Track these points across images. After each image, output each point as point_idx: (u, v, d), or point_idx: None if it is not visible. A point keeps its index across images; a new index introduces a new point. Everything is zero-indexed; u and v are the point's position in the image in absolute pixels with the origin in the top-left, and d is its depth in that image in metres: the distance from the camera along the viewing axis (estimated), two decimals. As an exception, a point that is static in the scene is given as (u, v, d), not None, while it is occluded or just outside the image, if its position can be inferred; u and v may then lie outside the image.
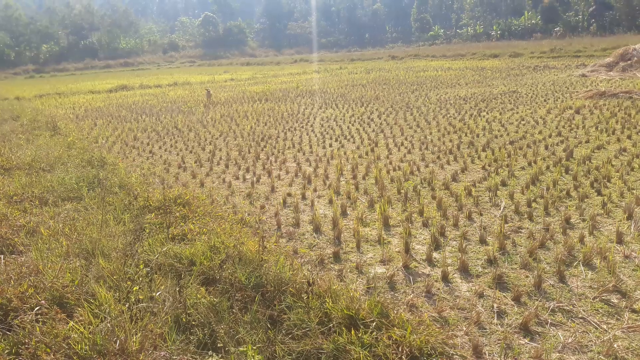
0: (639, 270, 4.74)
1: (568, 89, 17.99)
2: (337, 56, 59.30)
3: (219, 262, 4.58)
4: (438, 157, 9.49)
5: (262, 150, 11.21)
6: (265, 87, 26.29)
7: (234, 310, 3.89)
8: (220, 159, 10.62)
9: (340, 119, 14.84)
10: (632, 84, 17.81)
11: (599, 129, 10.87)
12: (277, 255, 4.83)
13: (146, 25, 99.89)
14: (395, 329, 3.53)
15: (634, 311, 4.08)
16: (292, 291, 4.08)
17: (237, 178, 9.03)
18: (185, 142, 12.68)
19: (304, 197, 7.64)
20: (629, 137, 9.98)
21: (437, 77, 26.18)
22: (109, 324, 3.52)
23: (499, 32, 64.79)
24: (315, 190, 7.98)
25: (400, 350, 3.37)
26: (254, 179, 8.77)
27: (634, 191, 6.89)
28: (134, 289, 3.92)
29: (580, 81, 20.35)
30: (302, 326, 3.69)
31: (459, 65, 33.67)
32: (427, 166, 9.03)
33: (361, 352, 3.33)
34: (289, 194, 7.76)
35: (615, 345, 3.62)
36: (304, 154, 10.69)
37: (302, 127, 13.99)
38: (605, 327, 3.89)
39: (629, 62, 23.19)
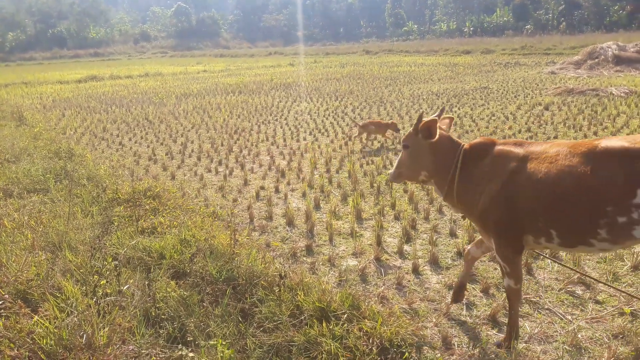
0: (602, 262, 4.88)
1: (538, 85, 18.35)
2: (311, 50, 59.23)
3: (190, 255, 4.52)
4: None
5: (235, 143, 11.12)
6: (239, 80, 26.07)
7: (204, 303, 3.86)
8: (192, 151, 10.49)
9: (315, 113, 14.82)
10: (599, 82, 18.28)
11: (566, 125, 11.13)
12: (249, 248, 4.80)
13: (117, 15, 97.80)
14: (366, 320, 3.56)
15: (597, 302, 4.20)
16: (264, 284, 4.06)
17: (210, 171, 8.93)
18: (156, 134, 12.47)
19: (277, 191, 7.61)
20: (595, 133, 10.25)
21: (410, 72, 26.39)
22: (75, 318, 3.44)
23: (471, 28, 65.66)
24: (288, 183, 7.95)
25: (371, 341, 3.39)
26: (227, 172, 8.70)
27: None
28: (102, 282, 3.84)
29: (550, 78, 20.79)
30: (274, 319, 3.68)
31: (432, 61, 34.00)
32: (399, 160, 9.08)
33: (332, 344, 3.34)
34: (262, 187, 7.72)
35: (579, 335, 3.72)
36: (277, 147, 10.65)
37: (276, 120, 13.93)
38: (569, 317, 4.00)
39: (596, 60, 23.79)
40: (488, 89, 17.86)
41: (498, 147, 3.50)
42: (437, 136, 3.61)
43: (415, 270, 4.91)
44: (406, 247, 5.45)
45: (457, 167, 3.60)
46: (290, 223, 6.22)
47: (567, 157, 3.11)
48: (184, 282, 4.25)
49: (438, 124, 3.65)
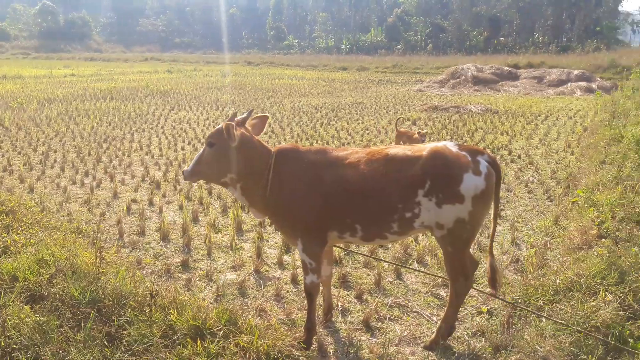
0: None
1: (407, 102, 19.67)
2: (191, 57, 57.62)
3: (48, 276, 4.10)
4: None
5: (105, 152, 10.40)
6: (111, 85, 24.52)
7: (63, 329, 3.51)
8: (55, 161, 9.61)
9: (194, 122, 14.41)
10: (460, 100, 20.10)
11: (432, 139, 12.04)
12: (118, 266, 4.48)
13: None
14: (243, 335, 3.49)
15: (458, 302, 4.55)
16: (133, 305, 3.80)
17: (74, 183, 8.24)
18: (14, 142, 11.24)
19: (151, 203, 7.24)
20: (457, 147, 11.22)
21: (291, 85, 26.83)
22: None
23: (348, 46, 68.59)
24: (164, 195, 7.61)
25: (247, 356, 3.33)
26: (94, 183, 8.08)
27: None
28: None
29: (417, 95, 22.40)
30: (144, 341, 3.45)
31: (311, 75, 34.91)
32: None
33: (207, 363, 3.23)
34: (134, 200, 7.29)
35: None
36: (152, 157, 10.16)
37: (152, 128, 13.30)
38: (435, 319, 4.28)
39: (458, 80, 26.17)
40: (363, 104, 18.74)
41: (305, 153, 3.73)
42: (236, 141, 3.60)
43: (294, 280, 4.94)
44: (286, 258, 5.47)
45: (271, 170, 3.68)
46: (165, 238, 5.93)
47: (367, 163, 3.56)
48: (41, 306, 3.83)
49: (235, 128, 3.61)
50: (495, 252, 5.44)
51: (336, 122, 14.56)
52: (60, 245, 4.84)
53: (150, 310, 3.69)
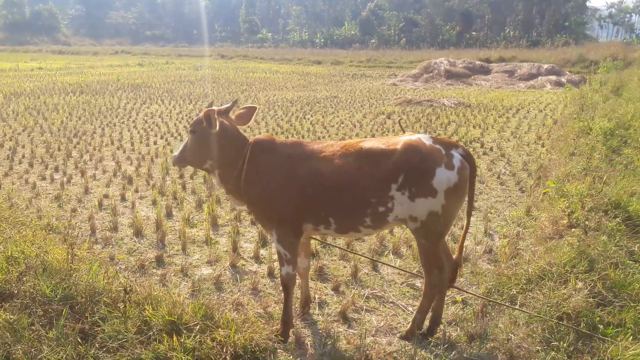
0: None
1: (381, 96, 19.76)
2: (163, 50, 56.65)
3: (17, 274, 3.99)
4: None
5: (75, 147, 10.17)
6: (81, 79, 23.97)
7: (34, 327, 3.43)
8: (23, 156, 9.35)
9: (167, 116, 14.20)
10: (433, 94, 20.29)
11: (406, 132, 12.12)
12: (90, 263, 4.39)
13: None
14: (219, 330, 3.46)
15: (433, 292, 4.61)
16: (107, 301, 3.74)
17: (44, 178, 8.03)
18: (-22, 137, 10.89)
19: (123, 199, 7.11)
20: (431, 140, 11.32)
21: (265, 79, 26.66)
22: None
23: (322, 40, 68.50)
24: (137, 190, 7.48)
25: (224, 350, 3.31)
26: (64, 179, 7.89)
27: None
28: None
29: (392, 89, 22.52)
30: (118, 337, 3.40)
31: (286, 69, 34.75)
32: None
33: (183, 358, 3.20)
34: (106, 196, 7.15)
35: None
36: (124, 151, 9.97)
37: (123, 122, 13.05)
38: (410, 309, 4.33)
39: (431, 74, 26.40)
40: (338, 98, 18.75)
41: (280, 146, 3.78)
42: (217, 127, 3.66)
43: (271, 274, 4.93)
44: (262, 252, 5.45)
45: (245, 161, 3.74)
46: (138, 233, 5.84)
47: (342, 157, 3.57)
48: (11, 304, 3.73)
49: (217, 115, 3.68)
50: (468, 242, 5.55)
51: (311, 116, 14.53)
52: (30, 242, 4.71)
53: (125, 306, 3.64)
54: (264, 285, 4.73)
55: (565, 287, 4.13)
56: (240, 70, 31.95)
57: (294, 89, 21.92)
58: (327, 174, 3.55)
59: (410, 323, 3.92)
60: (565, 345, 3.52)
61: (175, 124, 12.91)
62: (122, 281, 3.96)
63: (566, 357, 3.46)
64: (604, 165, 7.60)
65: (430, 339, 3.79)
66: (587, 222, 5.35)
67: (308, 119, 13.99)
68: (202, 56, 49.24)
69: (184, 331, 3.44)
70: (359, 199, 3.53)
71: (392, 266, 5.07)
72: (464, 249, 3.92)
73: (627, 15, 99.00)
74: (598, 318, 3.82)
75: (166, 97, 18.05)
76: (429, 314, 3.91)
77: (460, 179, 3.46)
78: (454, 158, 3.47)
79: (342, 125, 13.13)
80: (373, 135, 11.65)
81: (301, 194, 3.60)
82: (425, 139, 3.55)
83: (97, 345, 3.38)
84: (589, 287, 4.11)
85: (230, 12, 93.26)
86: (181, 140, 11.01)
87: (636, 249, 5.08)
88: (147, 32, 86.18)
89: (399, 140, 3.55)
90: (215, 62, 41.27)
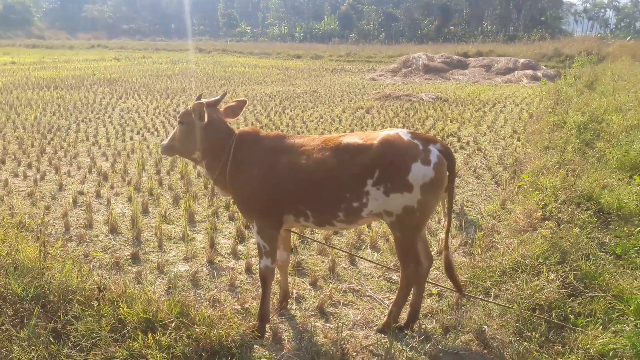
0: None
1: (360, 90, 19.79)
2: (140, 44, 55.80)
3: (-13, 273, 3.91)
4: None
5: (49, 143, 9.97)
6: (55, 73, 23.48)
7: (5, 327, 3.36)
8: (-5, 153, 9.14)
9: (143, 111, 14.01)
10: (412, 88, 20.40)
11: (384, 127, 12.19)
12: (64, 261, 4.32)
13: None
14: (195, 326, 3.44)
15: (410, 286, 4.65)
16: (81, 299, 3.68)
17: (16, 175, 7.87)
18: (-53, 133, 10.60)
19: (98, 196, 7.01)
20: (409, 134, 11.39)
21: (244, 73, 26.48)
22: None
23: (301, 34, 68.28)
24: (112, 187, 7.38)
25: (200, 347, 3.29)
26: (38, 176, 7.74)
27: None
28: None
29: (371, 84, 22.58)
30: (92, 336, 3.36)
31: (265, 63, 34.56)
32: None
33: (158, 355, 3.17)
34: (81, 193, 7.04)
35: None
36: (100, 147, 9.82)
37: (99, 118, 12.84)
38: (387, 302, 4.36)
39: (409, 68, 26.53)
40: (317, 93, 18.74)
41: (263, 138, 3.84)
42: (205, 119, 3.79)
43: (249, 270, 4.92)
44: (240, 247, 5.43)
45: (231, 152, 3.81)
46: (113, 230, 5.77)
47: (321, 151, 3.60)
48: (-20, 305, 3.65)
49: (206, 108, 3.80)
50: (444, 235, 5.60)
51: (290, 111, 14.49)
52: (1, 241, 4.61)
53: (99, 305, 3.58)
54: (242, 281, 4.72)
55: (538, 279, 4.21)
56: (219, 65, 31.67)
57: (273, 84, 21.82)
58: (305, 167, 3.59)
59: (386, 316, 3.95)
60: (537, 335, 3.59)
61: (152, 119, 12.75)
62: (95, 279, 3.91)
63: (538, 347, 3.53)
64: (577, 158, 7.74)
65: (406, 331, 3.83)
66: (560, 215, 5.45)
67: (287, 114, 13.95)
68: (180, 50, 48.68)
69: (159, 328, 3.41)
70: (333, 193, 3.55)
71: (369, 260, 5.11)
72: (446, 244, 3.92)
73: (602, 10, 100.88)
74: (569, 308, 3.90)
75: (143, 92, 17.80)
76: (408, 308, 3.95)
77: (436, 174, 3.47)
78: (431, 153, 3.48)
79: (321, 120, 13.13)
80: (352, 130, 11.68)
81: (280, 186, 3.65)
82: (403, 134, 3.56)
83: (69, 344, 3.34)
84: (561, 279, 4.19)
85: (208, 6, 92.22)
86: (158, 136, 10.89)
87: (607, 241, 5.21)
88: (124, 25, 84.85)
89: (377, 135, 3.56)
90: (193, 56, 40.83)
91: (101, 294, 3.63)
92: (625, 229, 5.41)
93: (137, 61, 33.93)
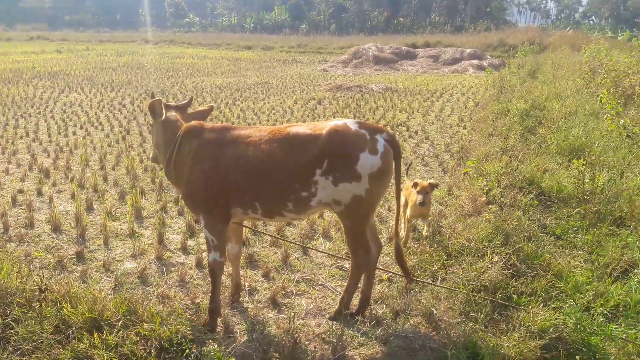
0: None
1: (312, 82, 19.79)
2: (83, 36, 53.55)
3: None
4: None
5: (-15, 140, 9.45)
6: (-10, 67, 22.23)
7: (-63, 335, 3.19)
8: None
9: (87, 105, 13.50)
10: (363, 79, 20.57)
11: (336, 117, 12.25)
12: (2, 262, 4.12)
13: None
14: (144, 324, 3.37)
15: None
16: (21, 301, 3.53)
17: (-51, 175, 7.43)
18: None
19: (40, 194, 6.72)
20: (360, 124, 11.49)
21: (193, 64, 25.93)
22: None
23: (252, 24, 67.38)
24: (54, 184, 7.09)
25: (149, 344, 3.23)
26: (-27, 175, 7.34)
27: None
28: None
29: (322, 75, 22.60)
30: (34, 339, 3.23)
31: (215, 54, 33.95)
32: (182, 154, 8.86)
33: (105, 355, 3.09)
34: (21, 191, 6.72)
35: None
36: (40, 143, 9.40)
37: (39, 113, 12.28)
38: (340, 290, 4.41)
39: (360, 59, 26.72)
40: (268, 84, 18.60)
41: (208, 131, 3.81)
42: (163, 116, 3.87)
43: (199, 265, 4.85)
44: (190, 242, 5.34)
45: (176, 146, 3.80)
46: (56, 229, 5.55)
47: (268, 142, 3.58)
48: None
49: (163, 104, 3.88)
50: (394, 222, 5.71)
51: (242, 102, 14.33)
52: None
53: (41, 306, 3.45)
54: (192, 276, 4.65)
55: (482, 261, 4.36)
56: (166, 56, 30.87)
57: (223, 75, 21.48)
58: (252, 158, 3.55)
59: (337, 304, 3.99)
60: (482, 315, 3.72)
61: (96, 113, 12.31)
62: (36, 280, 3.75)
63: (483, 327, 3.66)
64: (519, 144, 8.05)
65: (357, 318, 3.88)
66: (503, 199, 5.66)
67: (238, 105, 13.79)
68: (125, 42, 47.07)
69: (106, 327, 3.32)
70: (282, 184, 3.54)
71: (320, 251, 5.14)
72: (396, 231, 4.01)
73: (544, 2, 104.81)
74: (513, 288, 4.06)
75: (86, 85, 17.14)
76: (359, 295, 4.01)
77: (383, 163, 3.51)
78: (378, 143, 3.51)
79: (273, 111, 13.05)
80: (304, 121, 11.67)
81: (226, 178, 3.60)
82: (351, 123, 3.58)
83: (10, 348, 3.21)
84: (504, 260, 4.37)
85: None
86: (102, 130, 10.55)
87: (548, 222, 5.46)
88: (66, 16, 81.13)
89: (325, 125, 3.57)
90: (140, 48, 39.60)
91: (43, 295, 3.49)
92: (565, 210, 5.68)
93: (81, 53, 32.59)
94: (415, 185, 4.91)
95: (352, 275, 3.89)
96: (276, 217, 3.76)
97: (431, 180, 5.06)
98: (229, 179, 3.60)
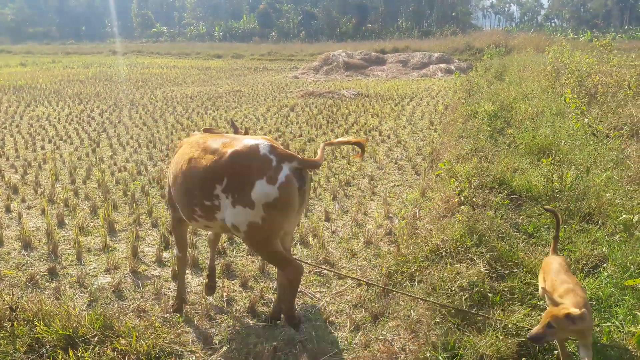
0: (343, 243, 5.53)
1: (284, 89, 19.81)
2: (49, 48, 52.45)
3: None
4: (167, 155, 9.30)
5: (-53, 158, 9.16)
6: (-49, 82, 21.56)
7: None
8: None
9: (55, 118, 13.22)
10: (334, 85, 20.70)
11: (309, 124, 12.28)
12: (-31, 282, 4.00)
13: None
14: (120, 339, 3.31)
15: (340, 278, 4.74)
16: (-9, 322, 3.44)
17: None
18: None
19: (8, 210, 6.54)
20: (332, 130, 11.57)
21: (162, 74, 25.67)
22: None
23: (221, 33, 67.16)
24: (23, 200, 6.92)
25: (126, 359, 3.18)
26: (-64, 193, 7.10)
27: (337, 176, 8.01)
28: None
29: (294, 82, 22.65)
30: (7, 359, 3.14)
31: (184, 64, 33.70)
32: (155, 165, 8.76)
33: (81, 373, 3.03)
34: (-13, 208, 6.53)
35: (327, 310, 4.14)
36: (7, 159, 9.16)
37: (5, 128, 11.96)
38: (318, 295, 4.42)
39: (330, 66, 26.88)
40: (240, 92, 18.54)
41: (192, 138, 4.03)
42: None
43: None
44: (165, 255, 5.28)
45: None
46: (27, 246, 5.40)
47: (190, 153, 3.68)
48: None
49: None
50: (370, 226, 5.76)
51: (214, 111, 14.24)
52: None
53: (12, 325, 3.36)
54: (168, 288, 4.59)
55: (458, 262, 4.42)
56: (135, 67, 30.48)
57: (193, 84, 21.33)
58: (176, 168, 3.74)
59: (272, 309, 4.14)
60: (459, 319, 3.77)
61: (64, 126, 12.06)
62: (6, 299, 3.65)
63: (461, 327, 3.71)
64: (489, 145, 8.21)
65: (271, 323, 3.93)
66: (474, 199, 5.75)
67: (210, 114, 13.70)
68: (92, 53, 46.33)
69: (81, 344, 3.26)
70: (195, 193, 3.59)
71: (300, 261, 5.13)
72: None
73: (507, 5, 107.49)
74: (488, 287, 4.12)
75: (53, 98, 16.79)
76: (277, 302, 4.00)
77: (281, 194, 3.31)
78: (281, 172, 3.33)
79: (245, 119, 13.01)
80: (277, 129, 11.67)
81: (170, 185, 3.91)
82: (263, 146, 3.42)
83: (-19, 371, 3.11)
84: (479, 260, 4.44)
85: (120, 7, 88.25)
86: (71, 144, 10.34)
87: (519, 221, 5.57)
88: (30, 29, 79.33)
89: (237, 144, 3.48)
90: (107, 59, 39.00)
91: (14, 314, 3.41)
92: (535, 208, 5.81)
93: (46, 66, 31.92)
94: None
95: (289, 288, 3.68)
96: (193, 222, 3.83)
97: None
98: (171, 185, 3.89)
